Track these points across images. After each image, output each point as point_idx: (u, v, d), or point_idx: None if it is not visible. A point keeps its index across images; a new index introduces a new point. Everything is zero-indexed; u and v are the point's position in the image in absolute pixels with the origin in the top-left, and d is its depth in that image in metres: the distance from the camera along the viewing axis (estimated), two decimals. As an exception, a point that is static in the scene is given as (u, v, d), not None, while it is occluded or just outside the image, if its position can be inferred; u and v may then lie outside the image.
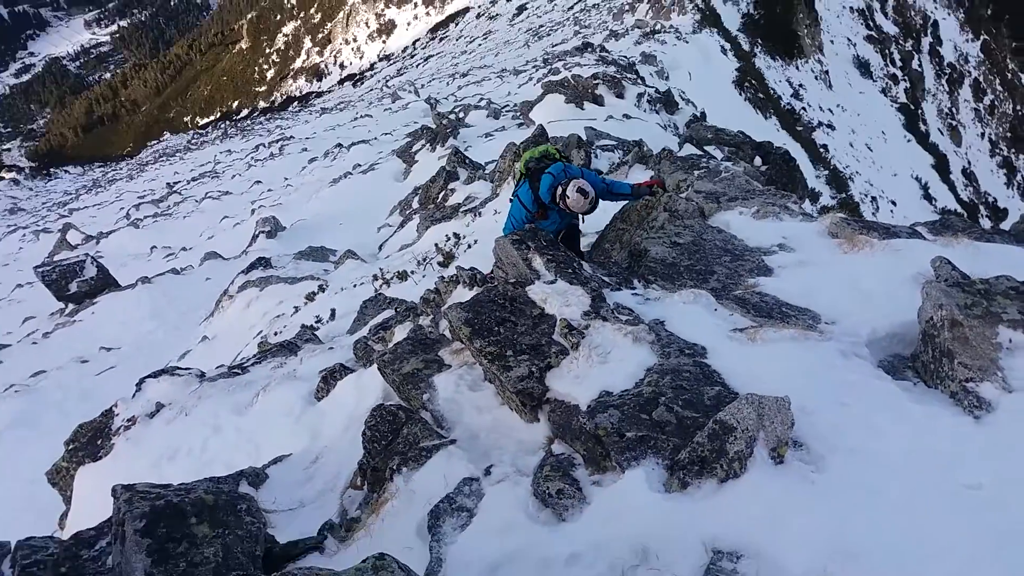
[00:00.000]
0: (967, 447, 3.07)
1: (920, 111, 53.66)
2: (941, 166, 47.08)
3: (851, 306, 4.30)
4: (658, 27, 37.43)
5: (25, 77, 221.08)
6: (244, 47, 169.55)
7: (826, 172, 33.57)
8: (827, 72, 45.72)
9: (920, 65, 56.92)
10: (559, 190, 5.99)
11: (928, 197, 41.95)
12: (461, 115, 26.86)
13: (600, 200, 6.17)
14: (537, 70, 36.13)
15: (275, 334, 10.88)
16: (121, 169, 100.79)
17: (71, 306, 18.09)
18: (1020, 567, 2.53)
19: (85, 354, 14.57)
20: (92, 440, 6.84)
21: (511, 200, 6.55)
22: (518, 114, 23.77)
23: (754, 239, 5.60)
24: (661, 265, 5.35)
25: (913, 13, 60.29)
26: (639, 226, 6.65)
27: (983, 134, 56.95)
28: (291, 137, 47.90)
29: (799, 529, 2.76)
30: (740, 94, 32.40)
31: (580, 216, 6.46)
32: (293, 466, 4.89)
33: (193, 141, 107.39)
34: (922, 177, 43.75)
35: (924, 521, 2.72)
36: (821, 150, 36.32)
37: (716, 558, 2.77)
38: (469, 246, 10.81)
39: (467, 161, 16.39)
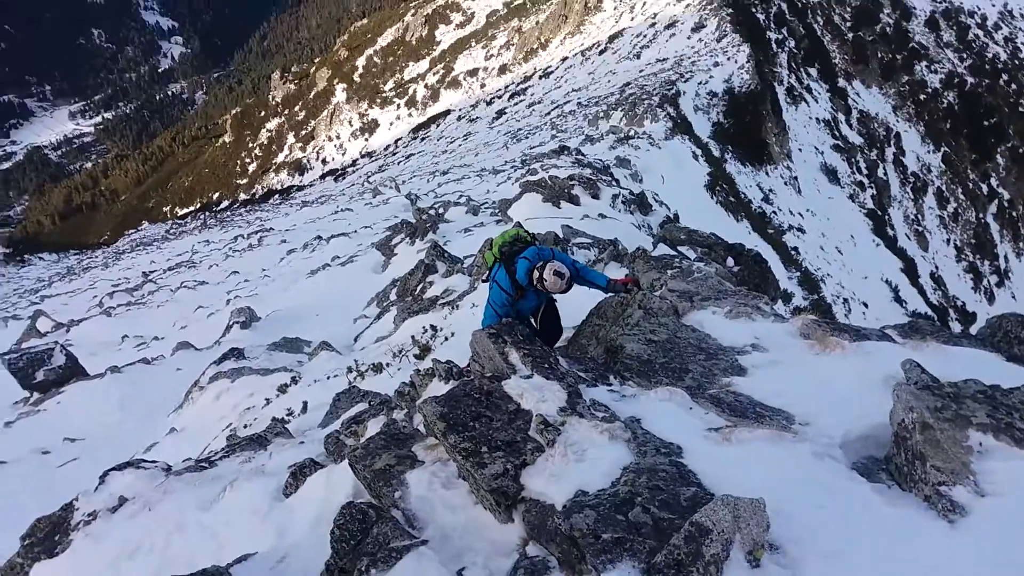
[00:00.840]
0: (942, 553, 3.06)
1: (887, 216, 55.37)
2: (910, 270, 48.27)
3: (824, 407, 4.34)
4: (632, 133, 38.69)
5: (5, 165, 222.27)
6: (227, 141, 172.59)
7: (798, 274, 34.25)
8: (796, 178, 47.28)
9: (885, 173, 59.12)
10: (536, 273, 6.10)
11: (899, 300, 42.82)
12: (441, 211, 27.30)
13: (573, 283, 6.28)
14: (515, 170, 37.00)
15: (245, 427, 10.68)
16: (97, 257, 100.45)
17: (36, 395, 17.67)
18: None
19: (48, 445, 14.15)
20: (50, 535, 6.58)
21: (489, 285, 6.64)
22: (496, 211, 24.22)
23: (727, 338, 5.67)
24: (637, 362, 5.40)
25: (876, 125, 63.02)
26: (615, 322, 6.72)
27: (948, 240, 58.74)
28: (271, 229, 48.27)
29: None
30: (712, 197, 33.31)
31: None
32: (258, 565, 4.73)
33: (171, 231, 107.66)
34: (892, 280, 44.76)
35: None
36: (792, 252, 37.15)
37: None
38: (446, 339, 10.83)
39: (446, 255, 16.56)
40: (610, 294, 6.87)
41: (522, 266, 6.22)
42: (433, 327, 11.72)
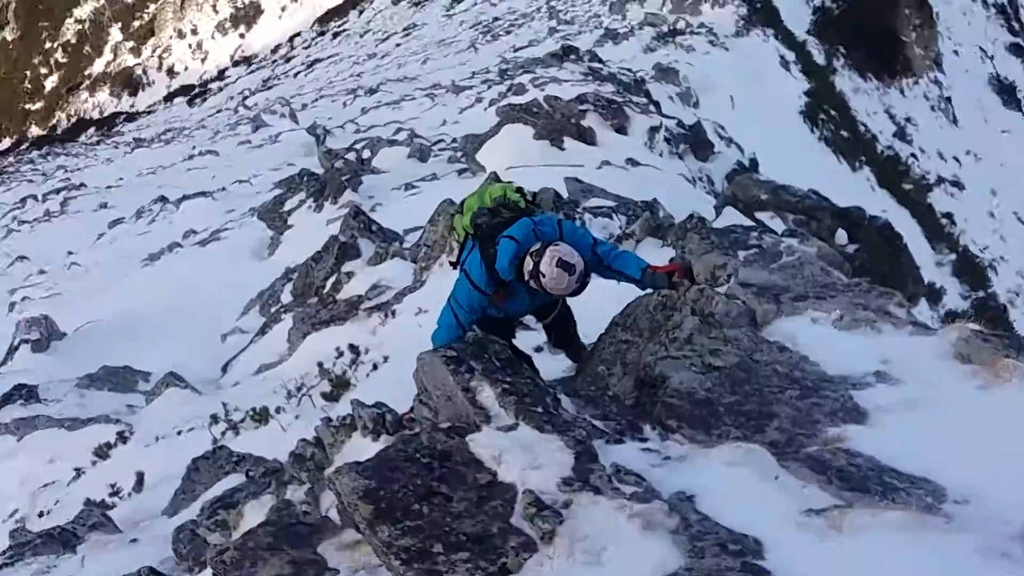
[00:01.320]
0: None
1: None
2: None
3: (995, 476, 4.35)
4: (681, 25, 38.75)
5: None
6: (8, 38, 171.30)
7: (952, 256, 34.36)
8: (949, 100, 47.44)
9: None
10: (529, 263, 6.07)
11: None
12: (366, 155, 27.22)
13: (590, 276, 6.28)
14: (490, 87, 36.94)
15: (41, 515, 10.60)
16: None
17: None
18: None
19: None
20: None
21: (459, 271, 6.69)
22: (459, 154, 24.16)
23: (837, 363, 5.70)
24: (688, 402, 5.41)
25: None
26: (652, 338, 6.74)
27: None
28: (82, 185, 47.85)
29: None
30: (812, 131, 33.49)
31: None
32: None
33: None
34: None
35: None
36: (943, 221, 37.23)
37: None
38: (375, 366, 10.81)
39: (374, 228, 16.52)
40: (647, 290, 6.87)
41: (506, 250, 6.19)
42: (354, 348, 11.72)
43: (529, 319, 7.55)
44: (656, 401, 5.49)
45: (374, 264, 15.17)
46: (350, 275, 15.20)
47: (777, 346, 6.02)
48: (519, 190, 6.95)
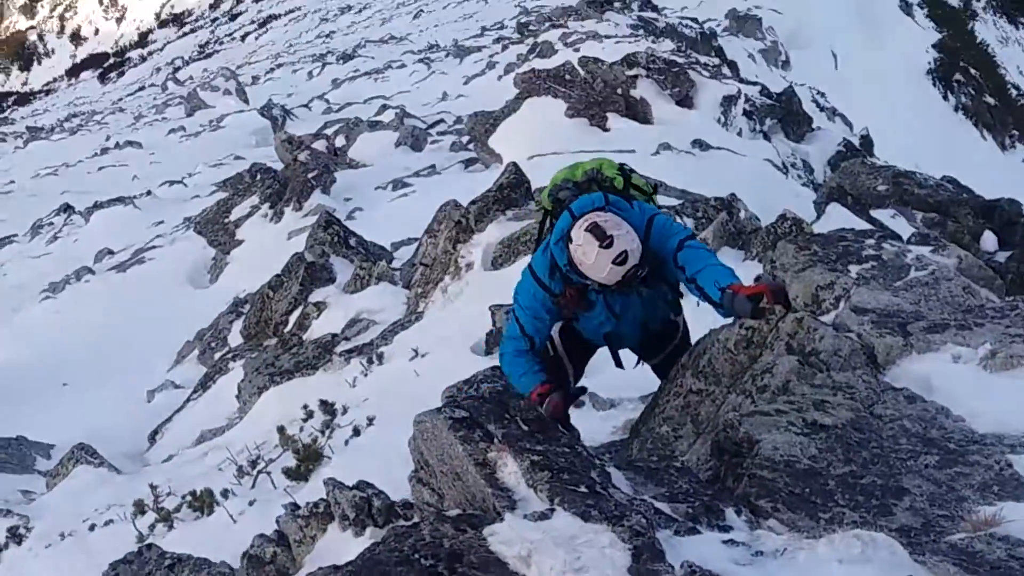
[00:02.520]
0: None
1: None
2: None
3: None
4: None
5: None
6: None
7: None
8: None
9: None
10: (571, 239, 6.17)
11: None
12: (340, 142, 27.29)
13: (645, 268, 6.25)
14: (505, 47, 37.05)
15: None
16: None
17: None
18: None
19: None
20: None
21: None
22: (464, 139, 24.22)
23: (989, 417, 5.67)
24: (786, 474, 5.37)
25: None
26: (734, 387, 6.71)
27: None
28: (-43, 190, 48.22)
29: None
30: (945, 98, 33.37)
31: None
32: None
33: None
34: None
35: None
36: None
37: None
38: (356, 431, 10.83)
39: (352, 242, 16.56)
40: (729, 319, 6.84)
41: (560, 225, 6.36)
42: (327, 406, 11.73)
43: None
44: (742, 474, 5.45)
45: (353, 291, 15.19)
46: (320, 307, 15.22)
47: (906, 395, 5.98)
48: (622, 167, 7.04)
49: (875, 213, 15.21)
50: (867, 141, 24.17)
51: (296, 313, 15.45)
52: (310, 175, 22.47)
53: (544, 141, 18.52)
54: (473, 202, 13.36)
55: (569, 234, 6.09)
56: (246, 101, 48.84)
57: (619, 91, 20.38)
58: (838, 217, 14.46)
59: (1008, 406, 5.72)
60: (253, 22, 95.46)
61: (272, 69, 60.58)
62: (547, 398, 6.16)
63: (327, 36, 68.00)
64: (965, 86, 34.15)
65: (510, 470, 5.02)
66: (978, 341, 6.43)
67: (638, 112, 19.96)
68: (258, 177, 24.06)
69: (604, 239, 5.91)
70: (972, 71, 35.60)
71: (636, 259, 6.03)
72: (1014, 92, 37.76)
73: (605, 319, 6.57)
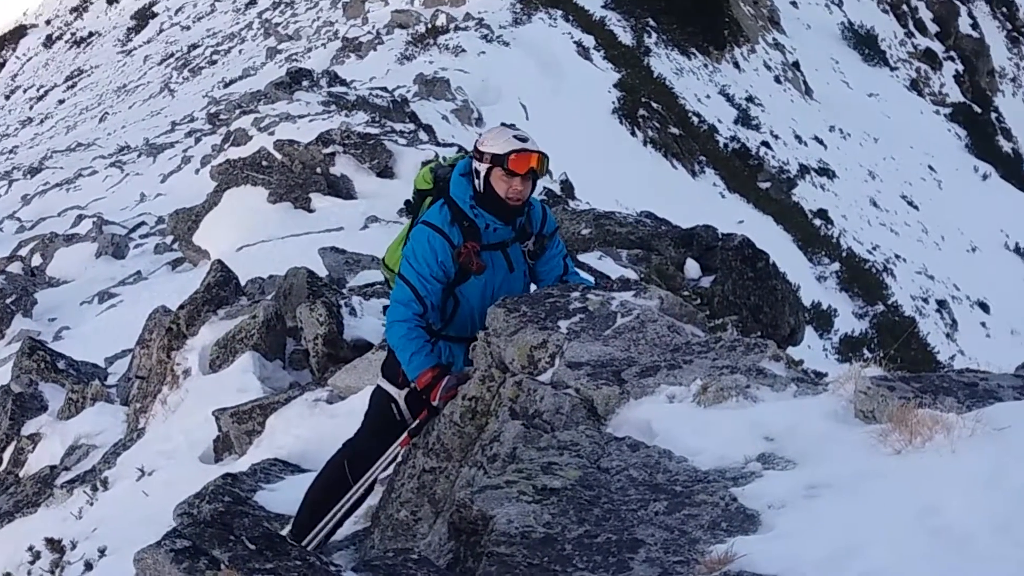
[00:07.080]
0: None
1: (994, 112, 58.25)
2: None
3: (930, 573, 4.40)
4: (442, 21, 39.05)
5: None
6: None
7: (835, 266, 34.69)
8: (796, 65, 49.04)
9: (977, 27, 62.31)
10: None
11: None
12: (36, 261, 26.60)
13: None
14: (198, 139, 36.62)
15: None
16: None
17: None
18: None
19: None
20: None
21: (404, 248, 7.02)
22: (168, 240, 23.84)
23: (709, 453, 5.72)
24: (523, 546, 5.31)
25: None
26: (465, 460, 6.68)
27: None
28: None
29: None
30: (633, 133, 33.96)
31: None
32: None
33: None
34: None
35: None
36: (817, 222, 37.87)
37: None
38: (89, 565, 10.48)
39: (61, 365, 16.09)
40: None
41: (463, 165, 6.83)
42: (54, 544, 11.34)
43: None
44: (481, 553, 5.39)
45: (67, 417, 14.76)
46: (35, 439, 14.76)
47: (628, 443, 6.01)
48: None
49: (583, 257, 15.42)
50: (567, 186, 24.48)
51: (10, 449, 14.94)
52: (8, 300, 21.88)
53: (250, 230, 18.38)
54: (182, 306, 13.13)
55: (473, 166, 6.54)
56: None
57: (318, 170, 20.34)
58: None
59: (725, 438, 5.79)
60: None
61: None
62: (440, 383, 6.76)
63: (10, 152, 66.32)
64: (650, 120, 34.98)
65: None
66: (689, 378, 6.52)
67: (340, 189, 19.94)
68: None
69: (516, 130, 6.36)
70: (654, 105, 36.50)
71: (542, 166, 6.50)
72: (695, 120, 38.88)
73: (505, 274, 7.12)
